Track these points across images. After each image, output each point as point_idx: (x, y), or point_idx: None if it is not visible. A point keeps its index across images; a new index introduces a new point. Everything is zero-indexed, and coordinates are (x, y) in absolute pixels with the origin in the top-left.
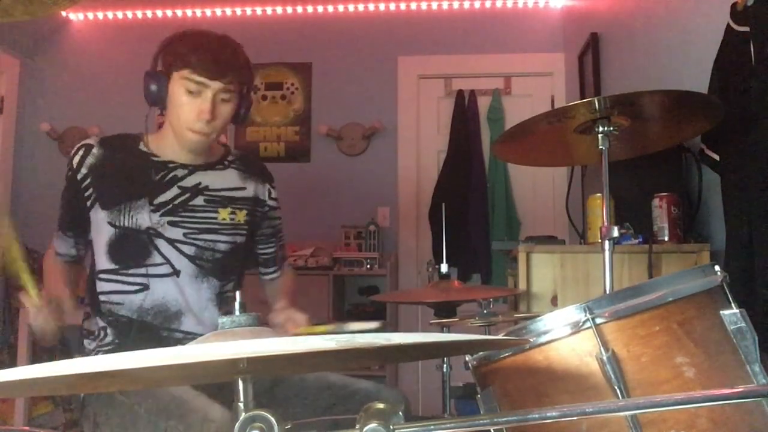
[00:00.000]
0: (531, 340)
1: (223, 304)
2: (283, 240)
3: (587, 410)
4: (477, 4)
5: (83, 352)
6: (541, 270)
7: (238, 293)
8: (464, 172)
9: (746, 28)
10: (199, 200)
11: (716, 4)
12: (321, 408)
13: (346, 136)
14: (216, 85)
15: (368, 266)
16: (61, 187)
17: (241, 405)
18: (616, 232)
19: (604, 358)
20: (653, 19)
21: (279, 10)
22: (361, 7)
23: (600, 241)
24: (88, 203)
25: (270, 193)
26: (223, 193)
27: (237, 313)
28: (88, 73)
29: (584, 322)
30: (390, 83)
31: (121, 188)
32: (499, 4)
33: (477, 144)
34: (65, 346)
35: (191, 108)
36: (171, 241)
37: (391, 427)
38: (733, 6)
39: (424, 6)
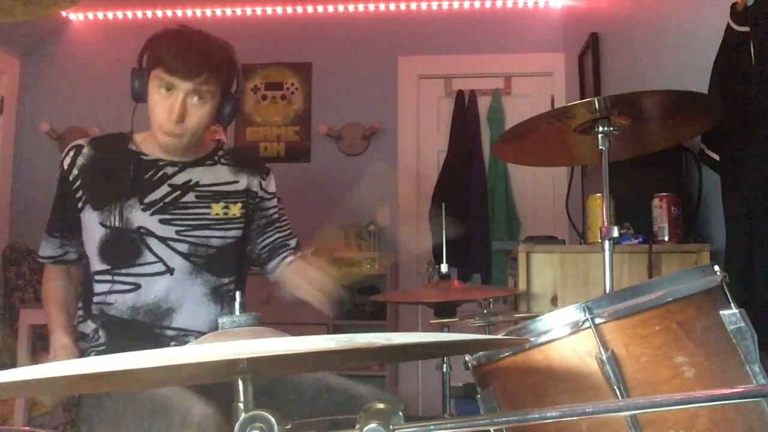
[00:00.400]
0: (531, 340)
1: (220, 300)
2: (285, 230)
3: (587, 410)
4: (477, 4)
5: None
6: (541, 270)
7: (238, 293)
8: (464, 172)
9: (746, 28)
10: (190, 197)
11: (716, 4)
12: (319, 412)
13: (346, 136)
14: (186, 86)
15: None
16: None
17: (241, 405)
18: (616, 232)
19: (604, 357)
20: (653, 19)
21: (279, 10)
22: (361, 7)
23: (600, 241)
24: (80, 204)
25: (261, 184)
26: (214, 188)
27: (237, 313)
28: (88, 73)
29: (584, 322)
30: (390, 83)
31: (111, 188)
32: (499, 4)
33: (477, 144)
34: None
35: (162, 108)
36: (163, 240)
37: (391, 427)
38: (733, 6)
39: (424, 6)
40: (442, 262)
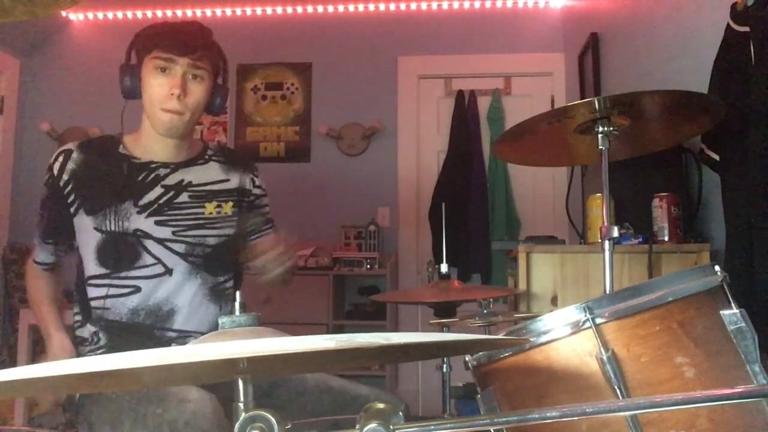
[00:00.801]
0: (531, 340)
1: (220, 300)
2: (275, 228)
3: (587, 410)
4: (477, 4)
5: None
6: (541, 270)
7: (238, 293)
8: (464, 172)
9: (746, 28)
10: (183, 197)
11: (716, 4)
12: (320, 412)
13: (346, 136)
14: (184, 60)
15: (368, 266)
16: None
17: (241, 405)
18: (616, 232)
19: (604, 358)
20: (653, 19)
21: (279, 10)
22: (361, 7)
23: (600, 241)
24: (72, 209)
25: (254, 181)
26: (207, 187)
27: (237, 313)
28: (88, 73)
29: (584, 322)
30: (390, 83)
31: (105, 192)
32: (499, 4)
33: (477, 144)
34: None
35: (162, 85)
36: (160, 241)
37: (391, 427)
38: (733, 6)
39: (424, 6)
40: (442, 262)
